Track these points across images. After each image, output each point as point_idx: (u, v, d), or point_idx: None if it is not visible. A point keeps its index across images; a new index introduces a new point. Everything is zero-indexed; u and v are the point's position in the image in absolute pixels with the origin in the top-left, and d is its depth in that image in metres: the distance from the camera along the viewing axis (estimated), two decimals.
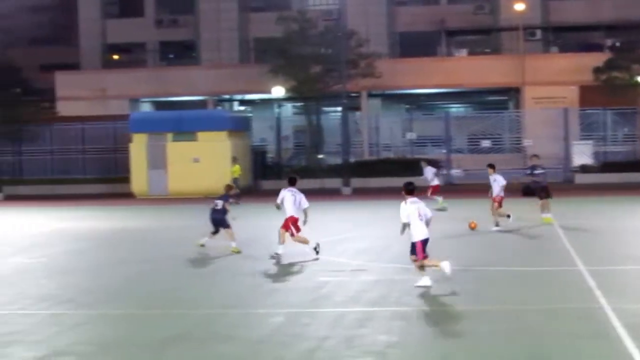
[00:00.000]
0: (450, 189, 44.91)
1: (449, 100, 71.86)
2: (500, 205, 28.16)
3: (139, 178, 48.76)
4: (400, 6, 70.78)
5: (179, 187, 47.44)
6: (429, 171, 37.00)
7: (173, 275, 20.34)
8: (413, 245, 17.36)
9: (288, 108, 67.60)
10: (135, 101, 66.81)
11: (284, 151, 58.44)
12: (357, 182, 49.90)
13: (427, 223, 17.34)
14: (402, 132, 59.02)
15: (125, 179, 49.19)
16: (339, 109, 54.34)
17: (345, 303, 16.24)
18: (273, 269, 20.74)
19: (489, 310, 15.33)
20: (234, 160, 44.61)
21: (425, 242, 17.30)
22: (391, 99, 68.77)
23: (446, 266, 17.36)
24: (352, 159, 52.35)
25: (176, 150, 48.13)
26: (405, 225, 17.28)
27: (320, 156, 57.70)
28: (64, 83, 67.25)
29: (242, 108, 70.61)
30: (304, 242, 22.24)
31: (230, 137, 48.71)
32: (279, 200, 22.15)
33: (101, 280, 19.85)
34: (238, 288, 18.23)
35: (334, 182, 50.47)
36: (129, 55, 75.70)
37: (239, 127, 51.84)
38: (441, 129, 54.71)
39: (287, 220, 22.05)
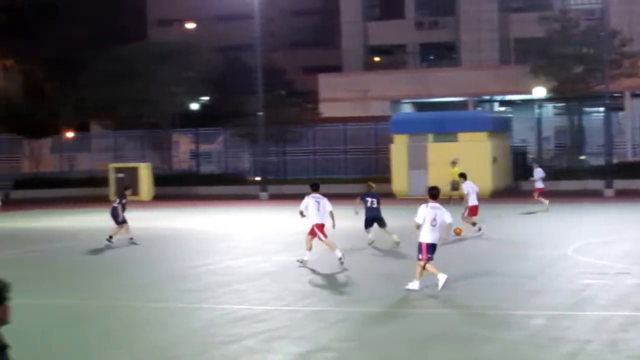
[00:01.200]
0: None
1: None
2: None
3: (400, 178, 49.23)
4: None
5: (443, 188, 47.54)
6: (538, 173, 37.55)
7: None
8: (419, 245, 17.60)
9: (549, 109, 66.22)
10: (396, 102, 67.41)
11: (544, 152, 57.37)
12: (620, 183, 48.27)
13: (440, 229, 17.81)
14: None
15: (386, 179, 49.72)
16: (601, 109, 52.97)
17: (609, 306, 15.82)
18: (534, 270, 20.34)
19: None
20: (453, 163, 44.16)
21: (430, 246, 17.57)
22: None
23: (442, 278, 17.52)
24: (615, 160, 50.79)
25: (437, 150, 48.19)
26: (419, 226, 17.53)
27: (582, 157, 56.27)
28: (326, 85, 68.74)
29: (502, 109, 69.79)
30: (332, 247, 21.85)
31: (490, 138, 48.38)
32: (302, 208, 21.91)
33: (360, 278, 20.07)
34: (498, 289, 18.11)
35: (595, 184, 49.14)
36: (390, 57, 76.55)
37: (499, 127, 51.37)
38: None
39: (312, 227, 21.88)
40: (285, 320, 15.29)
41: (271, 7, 67.14)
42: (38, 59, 73.52)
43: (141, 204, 46.69)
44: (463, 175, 29.40)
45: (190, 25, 79.53)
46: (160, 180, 55.46)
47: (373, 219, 25.79)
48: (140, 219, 33.42)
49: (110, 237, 27.42)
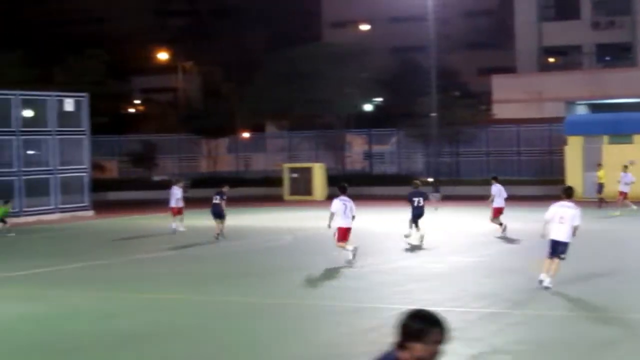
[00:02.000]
0: None
1: None
2: None
3: (574, 180, 48.09)
4: None
5: (613, 189, 46.24)
6: (626, 177, 38.83)
7: (601, 278, 19.98)
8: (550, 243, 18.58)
9: None
10: (570, 104, 66.08)
11: None
12: None
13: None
14: None
15: (560, 181, 48.69)
16: None
17: None
18: None
19: None
20: (599, 165, 42.79)
21: (556, 243, 18.41)
22: None
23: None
24: None
25: (612, 152, 46.98)
26: (547, 222, 18.58)
27: None
28: (500, 86, 67.94)
29: None
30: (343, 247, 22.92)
31: None
32: (333, 210, 22.76)
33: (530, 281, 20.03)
34: None
35: None
36: (565, 57, 75.12)
37: None
38: None
39: (338, 232, 22.85)
40: (459, 321, 15.09)
41: (445, 8, 66.95)
42: (216, 60, 75.55)
43: (314, 203, 47.27)
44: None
45: (365, 27, 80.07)
46: (333, 180, 55.53)
47: (418, 216, 26.99)
48: (315, 218, 33.77)
49: (218, 234, 29.92)
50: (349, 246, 22.66)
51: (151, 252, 27.51)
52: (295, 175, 53.90)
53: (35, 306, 17.75)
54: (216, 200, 30.86)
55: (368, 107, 66.32)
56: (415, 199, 27.12)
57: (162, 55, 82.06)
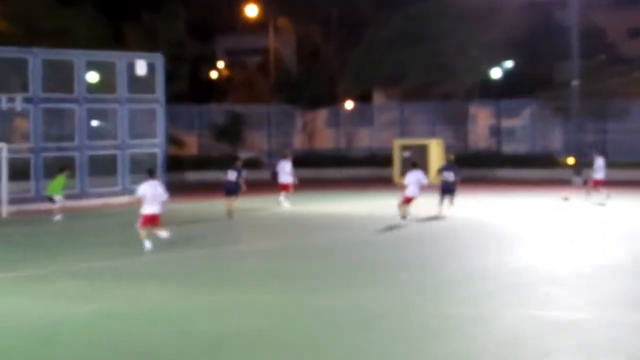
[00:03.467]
0: None
1: None
2: None
3: None
4: None
5: None
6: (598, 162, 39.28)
7: None
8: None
9: None
10: None
11: None
12: None
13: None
14: None
15: None
16: None
17: None
18: None
19: None
20: None
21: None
22: None
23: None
24: None
25: None
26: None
27: None
28: None
29: None
30: (403, 213, 30.84)
31: None
32: (406, 182, 30.97)
33: None
34: None
35: None
36: None
37: None
38: None
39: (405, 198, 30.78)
40: (605, 332, 14.97)
41: None
42: (315, 17, 75.30)
43: (431, 188, 46.87)
44: None
45: None
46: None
47: (446, 191, 33.16)
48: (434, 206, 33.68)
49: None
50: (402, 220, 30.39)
51: (242, 244, 27.62)
52: (407, 153, 53.55)
53: (106, 305, 17.92)
54: (232, 177, 33.93)
55: (496, 74, 65.50)
56: (445, 173, 33.33)
57: (252, 11, 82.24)
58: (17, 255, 25.29)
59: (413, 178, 31.05)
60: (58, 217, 34.68)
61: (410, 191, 30.97)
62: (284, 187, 38.80)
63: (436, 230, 29.86)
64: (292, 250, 25.89)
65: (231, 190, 34.17)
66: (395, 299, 18.20)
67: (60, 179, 35.51)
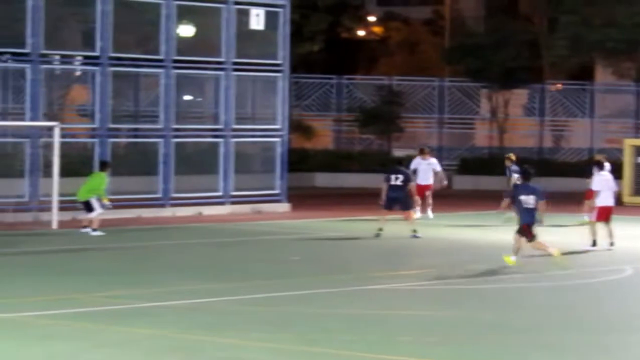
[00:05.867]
0: None
1: None
2: None
3: None
4: None
5: None
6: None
7: None
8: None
9: None
10: None
11: None
12: None
13: None
14: None
15: None
16: None
17: None
18: None
19: None
20: None
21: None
22: None
23: None
24: None
25: None
26: None
27: None
28: None
29: None
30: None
31: None
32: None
33: None
34: None
35: None
36: None
37: None
38: None
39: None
40: None
41: None
42: None
43: None
44: None
45: None
46: None
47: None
48: None
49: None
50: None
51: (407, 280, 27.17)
52: None
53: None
54: (396, 181, 34.74)
55: None
56: (515, 175, 37.99)
57: None
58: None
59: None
60: (96, 231, 34.68)
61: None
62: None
63: None
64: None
65: (395, 200, 34.88)
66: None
67: (99, 178, 35.93)
